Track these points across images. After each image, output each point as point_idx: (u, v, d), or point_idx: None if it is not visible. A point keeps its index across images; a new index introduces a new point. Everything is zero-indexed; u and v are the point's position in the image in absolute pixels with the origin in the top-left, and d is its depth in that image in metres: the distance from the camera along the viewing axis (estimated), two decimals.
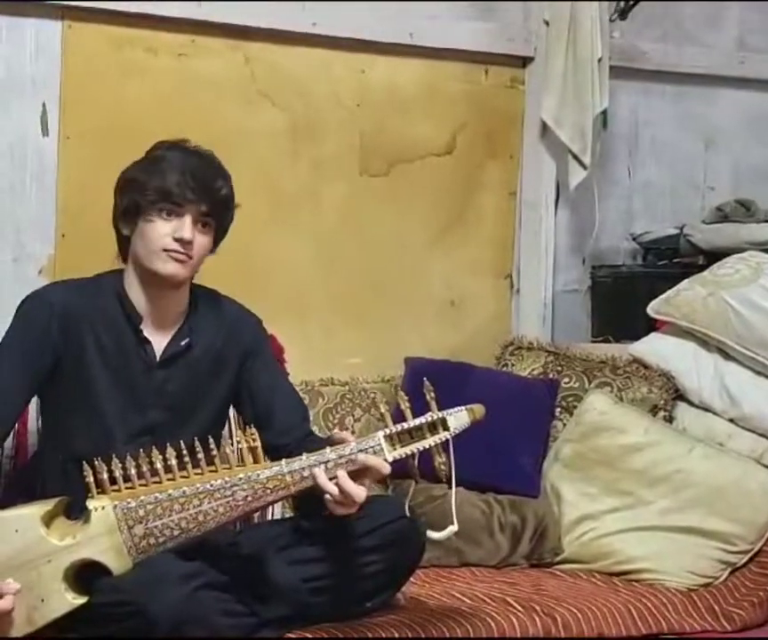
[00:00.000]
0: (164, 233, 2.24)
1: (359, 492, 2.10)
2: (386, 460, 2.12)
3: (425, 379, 2.14)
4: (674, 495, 2.88)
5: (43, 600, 2.08)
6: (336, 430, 2.58)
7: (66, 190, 2.91)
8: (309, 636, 2.22)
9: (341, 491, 2.09)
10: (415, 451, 2.13)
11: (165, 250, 2.24)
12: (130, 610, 2.04)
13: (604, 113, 3.55)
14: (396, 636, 2.27)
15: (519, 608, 2.49)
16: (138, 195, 2.26)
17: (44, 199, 2.91)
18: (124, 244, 2.33)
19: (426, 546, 2.37)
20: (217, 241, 2.35)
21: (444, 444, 2.13)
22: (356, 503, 2.12)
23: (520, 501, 2.95)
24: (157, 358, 2.31)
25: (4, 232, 2.87)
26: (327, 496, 2.11)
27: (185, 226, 2.24)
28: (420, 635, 2.30)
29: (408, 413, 2.14)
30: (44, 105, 2.89)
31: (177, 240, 2.23)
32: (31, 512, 2.13)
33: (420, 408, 2.16)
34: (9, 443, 2.47)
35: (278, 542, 2.30)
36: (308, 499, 2.19)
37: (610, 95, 3.54)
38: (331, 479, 2.10)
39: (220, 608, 2.12)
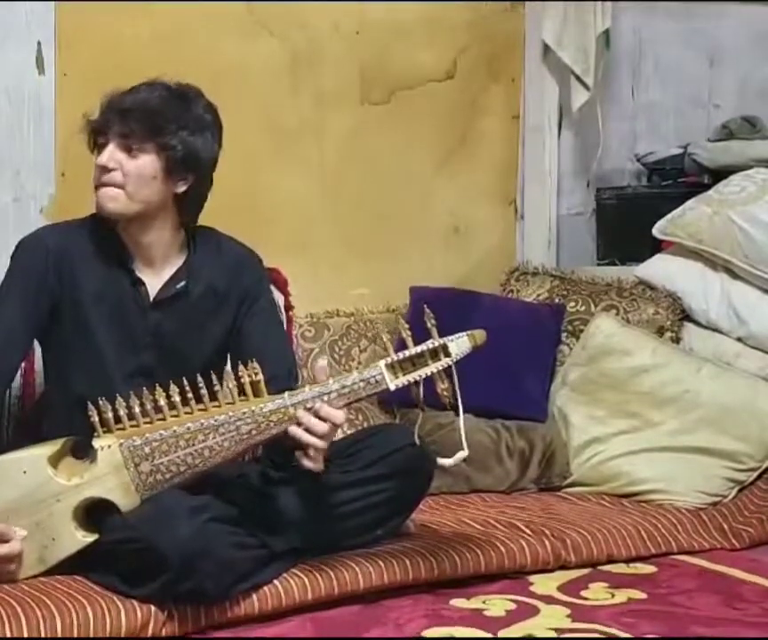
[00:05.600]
0: (95, 170, 2.23)
1: (337, 413, 2.10)
2: (388, 389, 2.12)
3: (425, 306, 2.14)
4: (682, 416, 2.89)
5: (54, 539, 2.12)
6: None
7: (65, 128, 2.88)
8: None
9: (320, 418, 2.09)
10: (417, 378, 2.13)
11: (96, 186, 2.23)
12: (140, 546, 2.06)
13: (607, 32, 3.51)
14: (407, 563, 2.29)
15: (529, 532, 2.51)
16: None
17: (42, 138, 2.89)
18: None
19: (435, 472, 2.38)
20: (174, 166, 2.22)
21: (447, 370, 2.13)
22: (328, 436, 2.11)
23: (528, 426, 2.96)
24: (151, 299, 2.29)
25: (4, 172, 2.86)
26: (297, 446, 2.11)
27: (104, 154, 2.20)
28: (430, 561, 2.32)
29: (409, 342, 2.14)
30: (38, 43, 2.86)
31: (97, 170, 2.22)
32: (38, 453, 2.15)
33: (424, 336, 2.16)
34: (17, 382, 2.48)
35: (286, 473, 2.31)
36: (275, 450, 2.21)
37: (612, 14, 3.49)
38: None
39: (230, 541, 2.14)
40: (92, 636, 2.00)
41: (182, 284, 2.30)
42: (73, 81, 2.91)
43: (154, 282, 2.29)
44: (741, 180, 3.25)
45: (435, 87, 3.43)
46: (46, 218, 2.84)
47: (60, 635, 1.97)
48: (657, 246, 3.36)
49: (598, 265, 3.57)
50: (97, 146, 2.24)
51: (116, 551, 2.09)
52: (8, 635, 1.94)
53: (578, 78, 3.48)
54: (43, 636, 1.96)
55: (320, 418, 2.11)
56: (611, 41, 3.55)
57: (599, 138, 3.59)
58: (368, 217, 3.37)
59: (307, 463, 2.14)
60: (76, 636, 1.99)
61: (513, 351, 2.98)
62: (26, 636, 1.95)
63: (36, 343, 2.36)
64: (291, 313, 2.92)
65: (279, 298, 2.85)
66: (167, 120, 2.21)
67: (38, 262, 2.26)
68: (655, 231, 3.31)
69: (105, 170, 2.20)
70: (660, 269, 3.27)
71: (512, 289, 3.36)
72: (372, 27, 3.33)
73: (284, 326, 2.76)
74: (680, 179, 3.59)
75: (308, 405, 2.12)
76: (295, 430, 2.12)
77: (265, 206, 3.20)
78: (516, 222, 3.62)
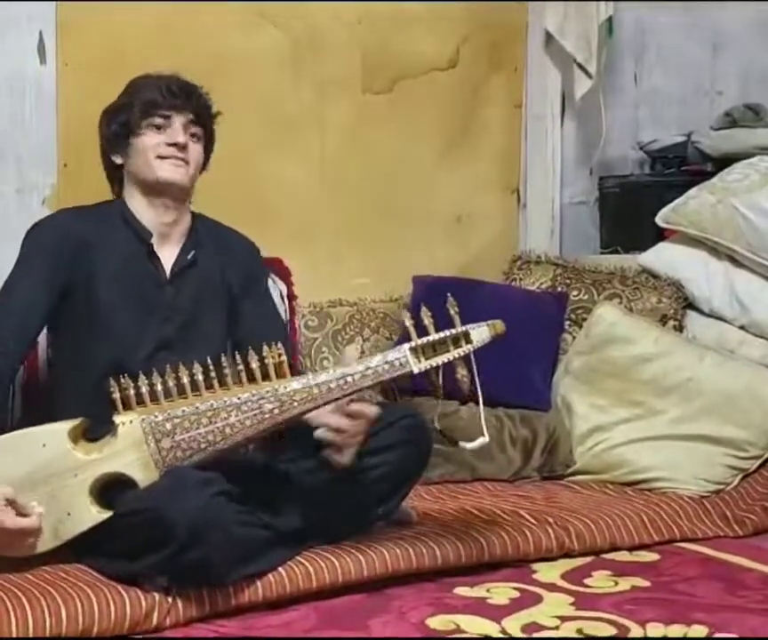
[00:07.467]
0: (157, 142, 2.32)
1: (369, 409, 2.13)
2: (412, 372, 2.15)
3: (449, 294, 2.17)
4: (685, 404, 2.89)
5: (69, 514, 2.12)
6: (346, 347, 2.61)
7: (66, 119, 2.89)
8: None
9: (349, 415, 2.11)
10: (440, 363, 2.15)
11: (160, 157, 2.31)
12: (148, 516, 2.06)
13: (609, 20, 3.51)
14: (411, 551, 2.30)
15: (533, 520, 2.51)
16: (125, 115, 2.34)
17: (44, 129, 2.88)
18: (116, 176, 2.39)
19: (433, 444, 2.41)
20: (207, 155, 2.41)
21: (466, 357, 2.16)
22: (359, 433, 2.15)
23: (531, 415, 2.96)
24: (167, 274, 2.35)
25: (7, 163, 2.85)
26: (327, 442, 2.15)
27: (176, 131, 2.32)
28: (434, 549, 2.32)
29: (431, 328, 2.16)
30: (40, 33, 2.85)
31: (171, 145, 2.31)
32: (58, 427, 2.15)
33: (426, 325, 2.17)
34: (19, 374, 2.48)
35: (290, 452, 2.32)
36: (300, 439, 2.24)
37: (614, 2, 3.48)
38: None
39: (235, 518, 2.14)
40: (96, 624, 2.00)
41: (192, 254, 2.37)
42: (74, 71, 2.91)
43: (167, 257, 2.36)
44: (744, 169, 3.25)
45: (437, 76, 3.43)
46: (48, 208, 2.84)
47: (65, 624, 1.98)
48: (660, 235, 3.36)
49: (601, 253, 3.57)
50: (153, 124, 2.31)
51: (124, 523, 2.09)
52: (13, 624, 1.94)
53: (580, 66, 3.48)
54: (47, 625, 1.97)
55: (351, 414, 2.13)
56: (613, 29, 3.54)
57: (602, 126, 3.58)
58: (370, 206, 3.37)
59: (337, 459, 2.18)
60: (80, 625, 1.99)
61: (516, 340, 2.93)
62: (31, 625, 1.95)
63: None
64: (294, 303, 2.93)
65: (282, 287, 2.88)
66: (211, 112, 2.40)
67: (54, 243, 2.30)
68: (658, 220, 3.31)
69: (180, 147, 2.31)
70: (662, 258, 3.27)
71: (515, 278, 3.36)
72: (373, 15, 3.32)
73: (283, 315, 2.78)
74: (683, 167, 3.59)
75: (332, 386, 2.13)
76: (325, 434, 2.15)
77: (266, 196, 3.19)
78: (519, 211, 3.62)
